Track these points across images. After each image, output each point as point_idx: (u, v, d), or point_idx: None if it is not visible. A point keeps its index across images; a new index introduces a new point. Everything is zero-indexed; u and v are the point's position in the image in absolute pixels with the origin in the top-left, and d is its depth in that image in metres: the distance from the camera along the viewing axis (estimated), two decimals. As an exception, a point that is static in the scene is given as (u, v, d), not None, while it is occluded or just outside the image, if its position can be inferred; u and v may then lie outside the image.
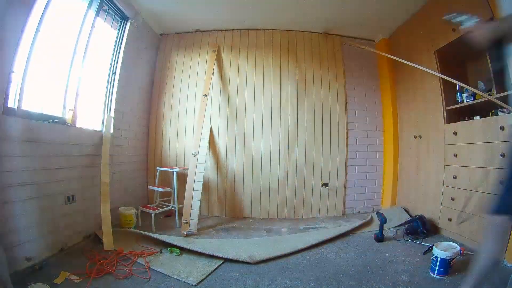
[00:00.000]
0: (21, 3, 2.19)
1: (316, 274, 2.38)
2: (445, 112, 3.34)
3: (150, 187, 3.97)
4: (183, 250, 2.79)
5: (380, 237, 3.14)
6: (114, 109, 3.62)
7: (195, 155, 3.75)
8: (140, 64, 4.19)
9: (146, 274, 2.31)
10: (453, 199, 3.12)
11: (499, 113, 2.68)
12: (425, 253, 2.74)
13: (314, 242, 3.07)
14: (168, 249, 2.79)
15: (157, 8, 3.98)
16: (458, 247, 2.39)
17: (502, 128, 2.55)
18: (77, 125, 3.02)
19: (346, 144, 4.43)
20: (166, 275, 2.32)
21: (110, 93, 3.64)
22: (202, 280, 2.25)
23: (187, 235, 3.25)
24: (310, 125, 4.37)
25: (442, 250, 2.32)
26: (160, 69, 4.63)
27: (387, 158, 4.53)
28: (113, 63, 3.68)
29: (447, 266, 2.26)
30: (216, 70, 4.42)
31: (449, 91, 3.34)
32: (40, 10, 2.48)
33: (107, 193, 3.12)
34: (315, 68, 4.48)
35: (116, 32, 3.74)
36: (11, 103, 2.29)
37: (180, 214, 3.57)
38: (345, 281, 2.26)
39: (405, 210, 3.90)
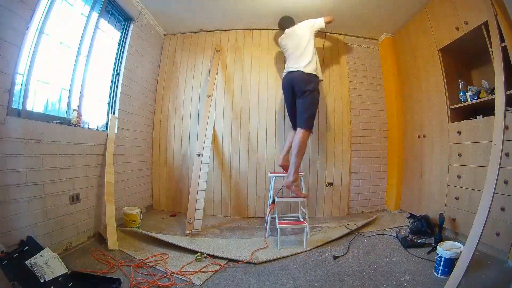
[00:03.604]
0: (25, 4, 2.21)
1: (320, 274, 2.38)
2: (449, 111, 3.33)
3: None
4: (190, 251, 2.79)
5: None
6: (118, 109, 3.64)
7: (199, 155, 3.76)
8: (144, 64, 4.21)
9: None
10: (457, 198, 3.10)
11: (504, 112, 2.66)
12: (429, 252, 2.73)
13: (318, 242, 3.08)
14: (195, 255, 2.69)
15: (160, 9, 4.00)
16: (462, 247, 2.37)
17: (507, 127, 2.53)
18: (82, 126, 3.04)
19: (350, 144, 4.42)
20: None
21: (114, 94, 3.66)
22: (206, 280, 2.26)
23: (192, 235, 3.26)
24: (314, 125, 4.35)
25: (446, 249, 2.31)
26: (164, 69, 4.64)
27: (391, 158, 4.51)
28: (117, 64, 3.70)
29: (451, 266, 2.24)
30: (220, 70, 4.43)
31: (453, 90, 3.32)
32: (44, 11, 2.50)
33: (112, 193, 3.15)
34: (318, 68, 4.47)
35: (120, 32, 3.76)
36: (16, 104, 2.31)
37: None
38: (349, 281, 2.26)
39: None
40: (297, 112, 3.46)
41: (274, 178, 3.58)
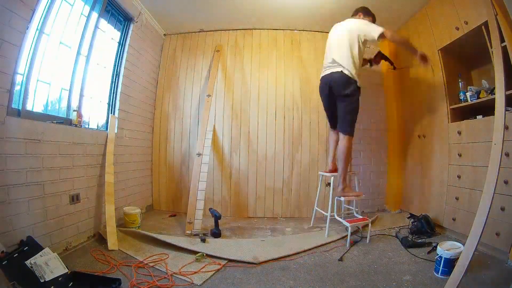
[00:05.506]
0: (25, 4, 2.21)
1: (320, 274, 2.38)
2: (449, 111, 3.32)
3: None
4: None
5: (216, 233, 3.28)
6: (118, 109, 3.64)
7: (199, 155, 3.76)
8: (144, 64, 4.21)
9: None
10: (457, 198, 3.10)
11: (504, 112, 2.66)
12: (429, 252, 2.73)
13: (318, 242, 3.07)
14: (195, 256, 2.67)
15: (160, 9, 4.00)
16: (462, 247, 2.36)
17: (507, 127, 2.52)
18: (82, 126, 3.04)
19: (350, 144, 4.42)
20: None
21: (114, 94, 3.66)
22: (206, 280, 2.26)
23: (192, 235, 3.25)
24: (315, 125, 4.37)
25: (446, 249, 2.31)
26: (164, 69, 4.65)
27: (391, 158, 4.51)
28: (117, 64, 3.70)
29: (451, 266, 2.24)
30: (220, 70, 4.43)
31: (453, 90, 3.32)
32: (43, 11, 2.50)
33: (112, 193, 3.15)
34: (319, 68, 4.46)
35: (120, 33, 3.76)
36: (16, 104, 2.31)
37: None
38: (349, 281, 2.26)
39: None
40: (338, 115, 3.34)
41: (321, 176, 3.76)
